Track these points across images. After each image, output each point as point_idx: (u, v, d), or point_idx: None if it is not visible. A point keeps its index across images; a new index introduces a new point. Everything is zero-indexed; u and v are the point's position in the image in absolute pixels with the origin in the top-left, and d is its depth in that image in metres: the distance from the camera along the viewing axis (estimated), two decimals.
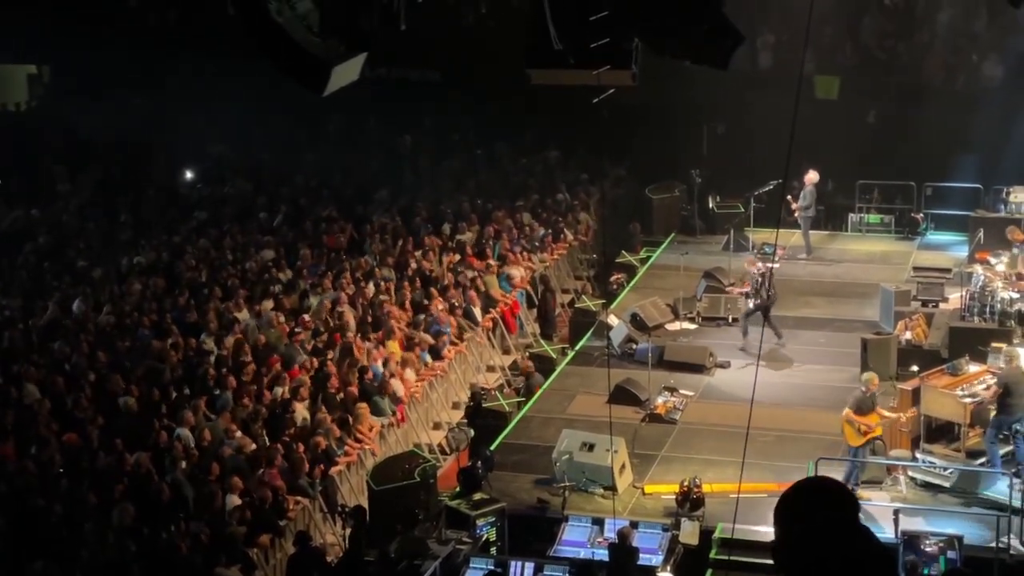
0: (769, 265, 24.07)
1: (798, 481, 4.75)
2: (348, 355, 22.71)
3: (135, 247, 28.62)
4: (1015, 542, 17.51)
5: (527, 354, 25.85)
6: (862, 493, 18.01)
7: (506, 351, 26.47)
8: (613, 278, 28.65)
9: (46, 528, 17.27)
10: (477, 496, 18.88)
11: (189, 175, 34.50)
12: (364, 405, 21.37)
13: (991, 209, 28.94)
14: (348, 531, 18.52)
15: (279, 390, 21.50)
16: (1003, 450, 19.06)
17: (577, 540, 18.15)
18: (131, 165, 34.44)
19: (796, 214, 28.83)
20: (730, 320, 25.35)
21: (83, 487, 18.15)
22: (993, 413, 19.03)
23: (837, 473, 18.38)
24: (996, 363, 19.80)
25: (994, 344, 20.97)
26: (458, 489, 19.26)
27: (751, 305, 24.31)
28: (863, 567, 4.49)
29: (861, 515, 4.73)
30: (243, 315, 24.43)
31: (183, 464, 18.91)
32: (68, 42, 35.19)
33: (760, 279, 24.10)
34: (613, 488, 19.33)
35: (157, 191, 33.07)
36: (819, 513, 4.53)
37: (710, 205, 31.43)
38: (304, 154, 35.18)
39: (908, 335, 23.33)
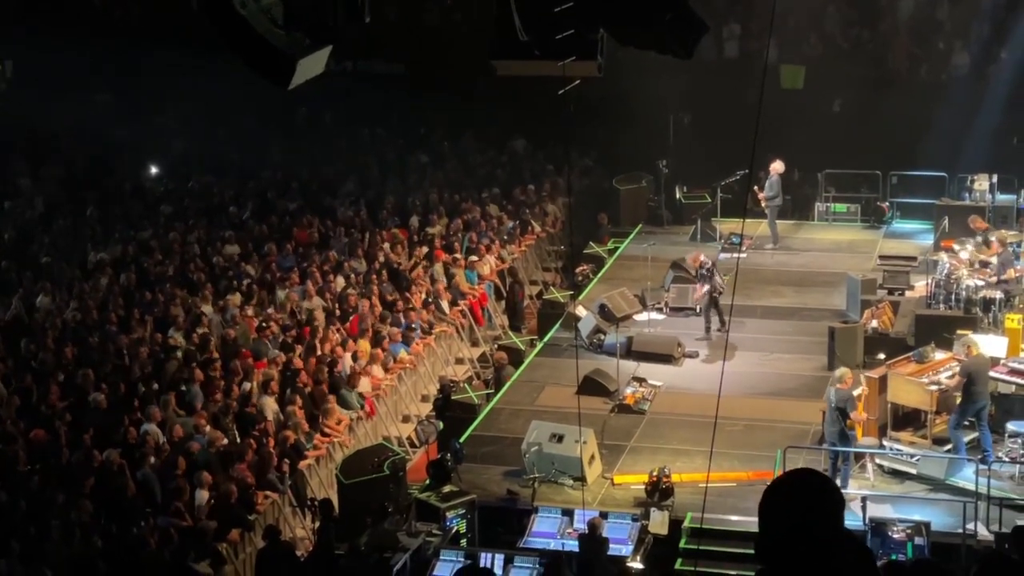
0: (719, 256, 24.46)
1: (785, 474, 4.74)
2: (315, 349, 22.69)
3: (101, 242, 28.46)
4: (981, 528, 17.61)
5: (495, 346, 25.83)
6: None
7: (474, 343, 26.48)
8: (579, 269, 28.67)
9: (11, 525, 17.18)
10: (447, 488, 18.89)
11: (154, 170, 34.34)
12: (332, 398, 21.36)
13: (956, 197, 29.11)
14: (316, 524, 18.49)
15: (247, 385, 21.46)
16: (968, 437, 19.18)
17: (547, 531, 18.17)
18: (95, 161, 34.27)
19: (763, 204, 28.92)
20: (697, 311, 25.38)
21: (50, 484, 18.06)
22: (958, 401, 19.15)
23: (806, 462, 18.48)
24: (960, 351, 19.92)
25: (959, 331, 21.10)
26: (428, 482, 19.26)
27: (705, 296, 24.44)
28: (845, 564, 4.49)
29: None
30: (209, 309, 24.37)
31: (152, 460, 18.85)
32: (31, 37, 34.96)
33: (708, 272, 24.24)
34: (583, 479, 19.35)
35: (122, 186, 32.90)
36: (803, 509, 4.51)
37: (677, 196, 31.49)
38: (270, 148, 35.08)
39: (875, 323, 23.43)
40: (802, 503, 4.51)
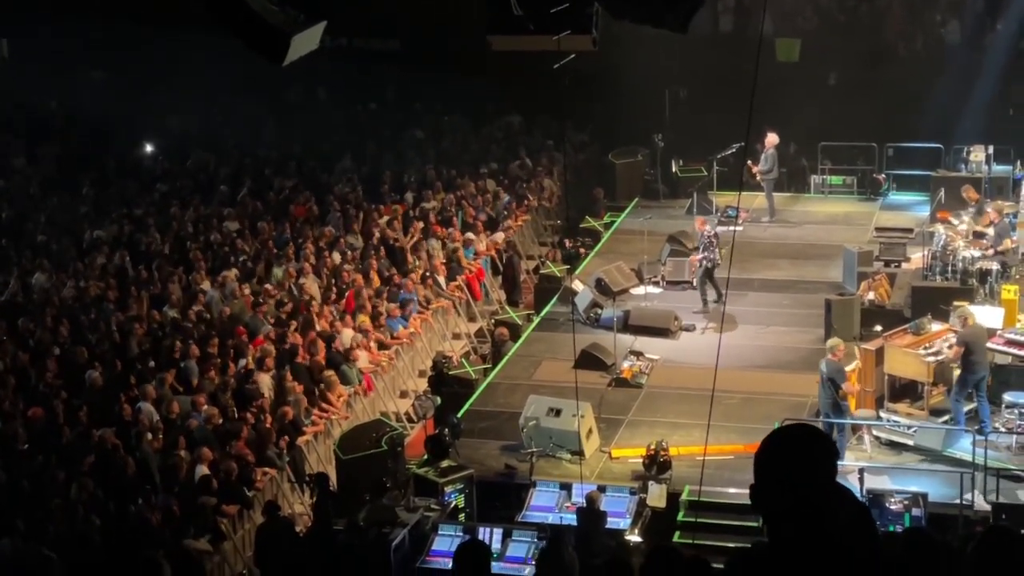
0: (717, 228, 24.46)
1: (779, 428, 4.78)
2: (312, 325, 22.71)
3: (97, 221, 28.47)
4: (978, 498, 17.66)
5: (493, 322, 25.84)
6: None
7: (472, 318, 26.49)
8: (569, 244, 28.64)
9: (12, 504, 17.22)
10: (445, 463, 18.91)
11: (150, 148, 34.32)
12: (332, 373, 21.37)
13: (952, 169, 29.09)
14: (314, 500, 18.54)
15: (243, 361, 21.49)
16: (966, 407, 19.23)
17: (545, 505, 18.21)
18: (90, 139, 34.24)
19: (758, 178, 28.92)
20: (694, 284, 25.39)
21: (49, 462, 18.09)
22: (957, 372, 19.18)
23: None
24: (957, 322, 19.95)
25: (956, 303, 21.12)
26: (426, 457, 19.30)
27: (702, 267, 24.44)
28: (839, 515, 4.53)
29: None
30: (207, 286, 24.40)
31: (148, 437, 18.87)
32: (27, 16, 34.90)
33: (710, 240, 24.25)
34: (580, 453, 19.39)
35: (118, 165, 32.91)
36: (797, 460, 4.55)
37: (673, 169, 31.47)
38: (265, 126, 35.05)
39: (871, 295, 23.46)
40: (794, 455, 4.55)
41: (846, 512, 4.57)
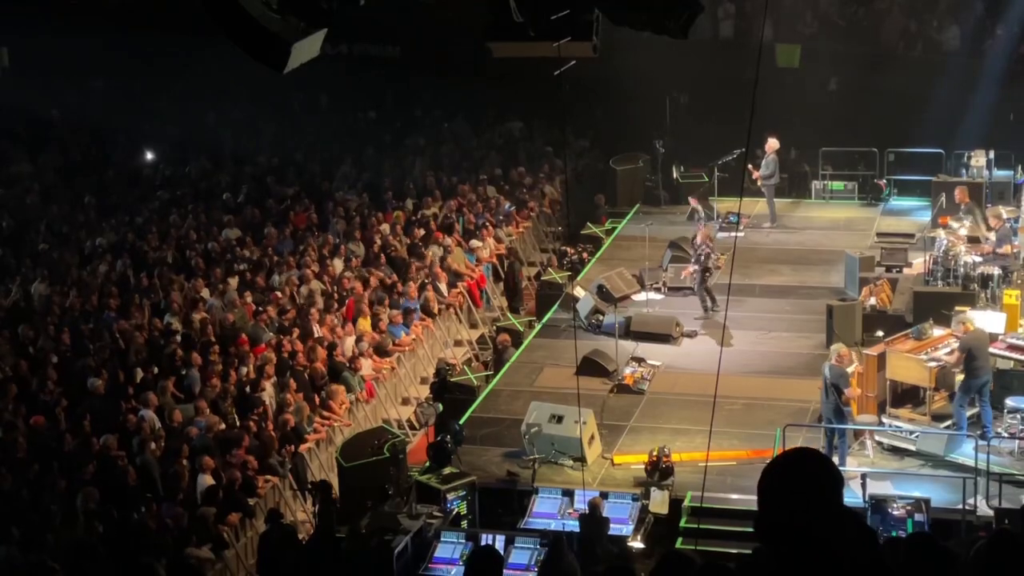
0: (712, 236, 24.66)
1: (782, 453, 4.76)
2: (311, 332, 22.69)
3: (98, 229, 28.47)
4: (981, 504, 17.63)
5: (494, 328, 25.83)
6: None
7: (473, 325, 26.48)
8: (571, 252, 28.62)
9: (12, 512, 17.21)
10: (447, 470, 18.90)
11: (150, 156, 34.34)
12: (341, 387, 21.35)
13: (953, 174, 29.07)
14: (316, 508, 18.52)
15: (244, 369, 21.48)
16: (968, 412, 19.21)
17: (547, 512, 18.20)
18: (90, 147, 34.25)
19: (759, 183, 28.92)
20: (695, 290, 25.37)
21: (51, 470, 18.08)
22: (960, 378, 19.16)
23: (805, 440, 18.57)
24: (957, 328, 19.94)
25: (958, 308, 21.11)
26: (428, 464, 19.28)
27: (698, 274, 24.44)
28: (846, 542, 4.51)
29: None
30: (207, 294, 24.40)
31: (152, 446, 18.86)
32: (27, 24, 34.91)
33: (708, 250, 24.26)
34: (582, 459, 19.38)
35: (118, 172, 32.93)
36: (803, 488, 4.53)
37: (674, 175, 31.48)
38: (265, 133, 35.06)
39: (873, 301, 23.44)
40: (799, 482, 4.53)
41: (849, 537, 4.55)
